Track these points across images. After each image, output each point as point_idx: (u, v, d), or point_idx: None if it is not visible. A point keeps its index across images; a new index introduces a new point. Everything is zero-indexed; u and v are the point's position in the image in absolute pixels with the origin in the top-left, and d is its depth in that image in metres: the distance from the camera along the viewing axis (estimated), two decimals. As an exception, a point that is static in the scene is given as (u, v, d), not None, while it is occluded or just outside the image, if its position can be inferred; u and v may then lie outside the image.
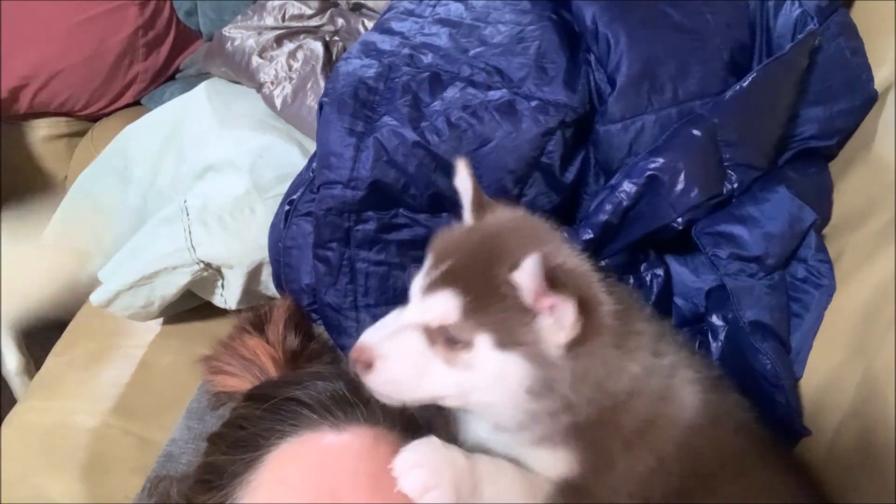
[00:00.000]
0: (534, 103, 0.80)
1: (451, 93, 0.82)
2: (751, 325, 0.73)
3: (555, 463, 0.62)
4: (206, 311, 1.05)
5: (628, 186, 0.77)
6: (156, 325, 1.04)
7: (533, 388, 0.58)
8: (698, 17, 0.84)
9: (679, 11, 0.83)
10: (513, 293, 0.56)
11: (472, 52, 0.85)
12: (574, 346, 0.57)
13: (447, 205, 0.81)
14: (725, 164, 0.79)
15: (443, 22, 0.89)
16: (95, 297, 0.93)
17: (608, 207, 0.77)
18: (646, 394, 0.62)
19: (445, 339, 0.58)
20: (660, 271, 0.83)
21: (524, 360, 0.57)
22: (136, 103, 1.60)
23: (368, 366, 0.59)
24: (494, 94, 0.81)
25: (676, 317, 0.85)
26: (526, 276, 0.54)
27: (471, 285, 0.57)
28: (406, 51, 0.86)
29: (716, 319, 0.81)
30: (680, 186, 0.76)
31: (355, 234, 0.82)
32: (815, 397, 0.75)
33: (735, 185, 0.79)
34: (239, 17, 1.16)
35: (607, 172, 0.84)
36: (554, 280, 0.54)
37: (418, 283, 0.61)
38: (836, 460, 0.71)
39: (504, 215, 0.65)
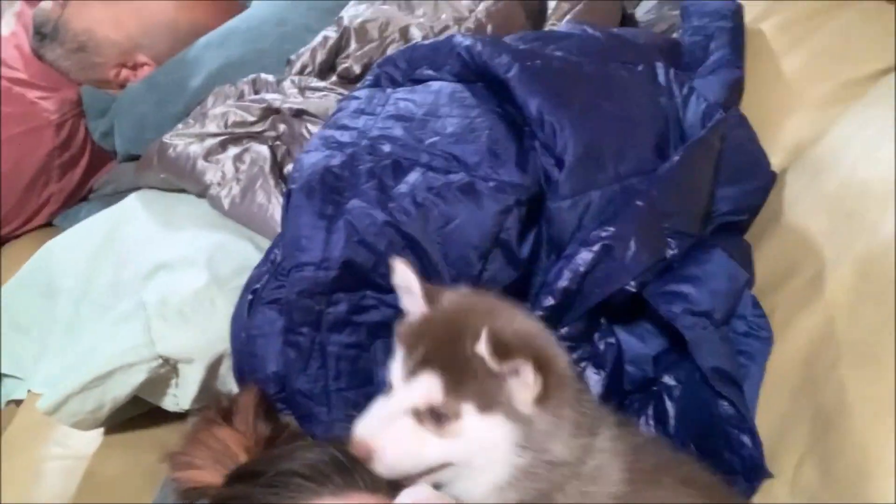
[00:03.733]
0: (492, 184, 0.86)
1: (414, 177, 0.87)
2: (713, 372, 0.78)
3: None
4: (150, 418, 1.01)
5: (585, 254, 0.83)
6: (97, 436, 0.99)
7: (518, 442, 0.66)
8: (626, 110, 0.94)
9: (610, 103, 0.93)
10: (481, 363, 0.64)
11: (427, 142, 0.91)
12: (542, 401, 0.66)
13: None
14: (665, 232, 0.87)
15: (395, 118, 0.95)
16: (43, 404, 0.88)
17: (567, 274, 0.83)
18: (577, 477, 0.68)
19: (433, 416, 0.66)
20: (612, 339, 0.89)
21: (504, 418, 0.66)
22: (47, 224, 1.56)
23: (370, 456, 0.66)
24: (454, 177, 0.87)
25: (629, 382, 0.90)
26: (484, 345, 0.62)
27: (447, 364, 0.66)
28: (365, 142, 0.91)
29: (668, 380, 0.87)
30: (631, 251, 0.83)
31: (327, 318, 0.83)
32: (769, 441, 0.81)
33: (675, 251, 0.86)
34: (179, 126, 1.18)
35: (558, 247, 0.89)
36: (509, 345, 0.64)
37: (398, 370, 0.69)
38: (800, 495, 0.75)
39: (453, 297, 0.74)
